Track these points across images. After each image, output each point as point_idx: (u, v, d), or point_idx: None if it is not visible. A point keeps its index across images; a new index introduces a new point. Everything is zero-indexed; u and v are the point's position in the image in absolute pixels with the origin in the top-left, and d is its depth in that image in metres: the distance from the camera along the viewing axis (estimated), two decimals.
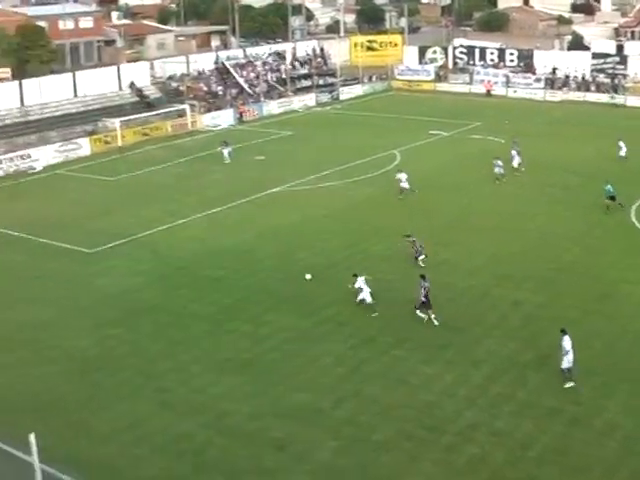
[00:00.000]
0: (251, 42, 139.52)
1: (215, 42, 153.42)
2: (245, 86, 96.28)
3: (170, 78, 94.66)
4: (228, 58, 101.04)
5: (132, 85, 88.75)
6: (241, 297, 40.35)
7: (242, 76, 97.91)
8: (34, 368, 34.06)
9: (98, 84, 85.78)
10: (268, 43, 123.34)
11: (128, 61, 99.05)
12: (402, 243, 44.35)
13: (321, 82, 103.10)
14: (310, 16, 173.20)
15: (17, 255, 48.24)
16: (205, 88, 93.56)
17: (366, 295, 37.79)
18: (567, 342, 30.75)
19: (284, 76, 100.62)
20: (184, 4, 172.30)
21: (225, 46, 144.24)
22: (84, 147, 75.50)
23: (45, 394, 31.91)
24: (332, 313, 37.74)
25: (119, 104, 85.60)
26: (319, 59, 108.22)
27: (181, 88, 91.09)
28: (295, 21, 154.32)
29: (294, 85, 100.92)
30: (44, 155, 72.27)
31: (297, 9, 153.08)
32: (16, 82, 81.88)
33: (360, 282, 37.92)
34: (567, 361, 30.66)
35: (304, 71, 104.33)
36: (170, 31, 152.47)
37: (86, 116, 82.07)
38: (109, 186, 63.60)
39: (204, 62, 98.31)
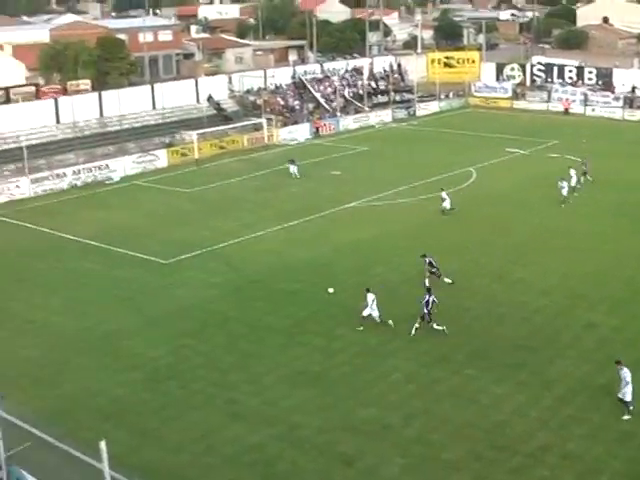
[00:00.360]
0: (328, 57, 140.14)
1: (292, 57, 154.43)
2: (322, 101, 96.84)
3: (247, 92, 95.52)
4: (305, 73, 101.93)
5: (210, 98, 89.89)
6: (315, 310, 40.55)
7: (319, 91, 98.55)
8: (109, 374, 34.70)
9: (176, 97, 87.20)
10: (345, 58, 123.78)
11: (206, 74, 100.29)
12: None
13: (398, 98, 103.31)
14: (388, 32, 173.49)
15: (94, 264, 49.10)
16: (282, 102, 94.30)
17: (373, 311, 37.95)
18: (627, 373, 30.16)
19: (361, 91, 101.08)
20: (262, 19, 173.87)
21: (302, 61, 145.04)
22: (161, 159, 76.59)
23: (118, 401, 32.48)
24: (404, 329, 37.63)
25: (196, 117, 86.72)
26: (396, 75, 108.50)
27: (258, 102, 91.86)
28: (373, 37, 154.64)
29: (371, 101, 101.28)
30: (122, 166, 73.42)
31: (375, 25, 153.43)
32: (96, 93, 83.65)
33: (370, 298, 38.03)
34: (629, 393, 30.07)
35: (381, 87, 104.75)
36: (248, 45, 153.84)
37: (164, 128, 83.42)
38: (185, 198, 64.42)
39: (281, 76, 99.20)
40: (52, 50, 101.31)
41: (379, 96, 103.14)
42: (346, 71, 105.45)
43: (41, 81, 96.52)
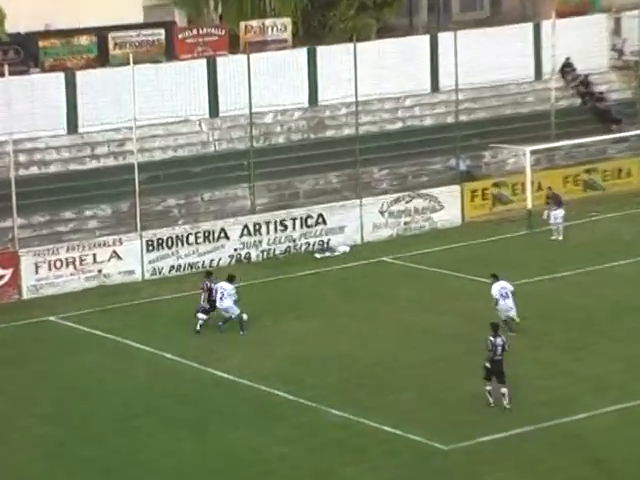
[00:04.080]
0: None
1: None
2: None
3: None
4: None
5: (567, 69, 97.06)
6: None
7: None
8: None
9: (489, 65, 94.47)
10: None
11: (560, 14, 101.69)
12: None
13: None
14: None
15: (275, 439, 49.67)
16: None
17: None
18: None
19: None
20: None
21: None
22: (447, 206, 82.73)
23: None
24: None
25: (533, 112, 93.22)
26: None
27: None
28: None
29: None
30: (354, 220, 79.32)
31: None
32: (303, 50, 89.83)
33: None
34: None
35: None
36: None
37: (454, 136, 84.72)
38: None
39: None
40: None
41: None
42: None
43: (178, 20, 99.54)
